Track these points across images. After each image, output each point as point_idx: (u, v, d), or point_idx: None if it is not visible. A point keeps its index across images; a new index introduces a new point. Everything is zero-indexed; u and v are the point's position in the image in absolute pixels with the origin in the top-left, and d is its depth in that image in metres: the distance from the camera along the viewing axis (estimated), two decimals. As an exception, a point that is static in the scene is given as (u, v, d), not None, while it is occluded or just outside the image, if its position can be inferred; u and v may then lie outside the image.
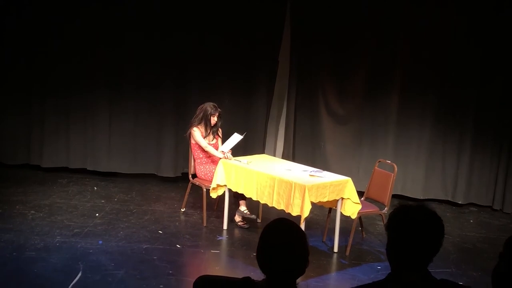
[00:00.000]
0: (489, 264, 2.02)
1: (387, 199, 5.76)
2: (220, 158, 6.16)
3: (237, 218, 6.29)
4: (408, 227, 2.13)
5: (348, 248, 5.69)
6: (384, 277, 2.19)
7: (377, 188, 5.92)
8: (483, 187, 7.63)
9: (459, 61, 7.39)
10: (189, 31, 7.57)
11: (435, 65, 7.43)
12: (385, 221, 5.50)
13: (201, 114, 6.32)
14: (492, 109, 7.44)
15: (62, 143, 7.82)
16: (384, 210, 5.79)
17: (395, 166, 5.85)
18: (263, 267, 2.22)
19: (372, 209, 5.87)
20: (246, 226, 6.24)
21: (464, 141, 7.58)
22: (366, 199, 6.03)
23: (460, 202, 7.65)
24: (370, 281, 2.22)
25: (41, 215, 6.18)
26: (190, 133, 6.36)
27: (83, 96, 7.71)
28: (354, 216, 5.59)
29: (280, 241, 2.20)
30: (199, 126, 6.32)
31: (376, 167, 6.03)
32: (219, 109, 6.36)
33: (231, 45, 7.64)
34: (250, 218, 6.18)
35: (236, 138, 6.32)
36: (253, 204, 6.25)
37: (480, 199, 7.67)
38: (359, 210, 5.59)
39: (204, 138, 6.32)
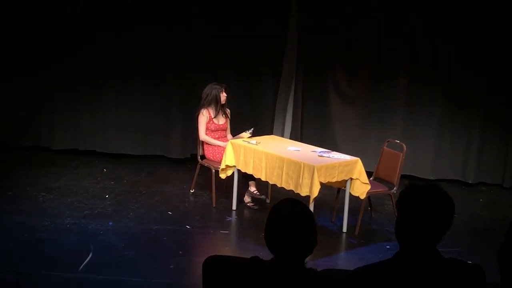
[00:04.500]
0: (499, 243, 2.02)
1: (396, 179, 5.75)
2: (228, 140, 6.17)
3: (247, 199, 6.30)
4: (419, 206, 2.12)
5: (357, 228, 5.70)
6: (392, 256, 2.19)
7: (386, 168, 5.90)
8: (492, 166, 7.60)
9: (469, 41, 7.31)
10: (194, 15, 7.53)
11: (445, 45, 7.36)
12: (394, 201, 5.50)
13: (209, 96, 6.30)
14: (502, 88, 7.37)
15: (72, 125, 7.85)
16: (393, 190, 5.78)
17: (404, 146, 5.83)
18: (271, 247, 2.23)
19: (381, 189, 5.86)
20: (255, 206, 6.25)
21: (473, 120, 7.53)
22: (375, 179, 6.01)
23: (470, 182, 7.63)
24: (379, 261, 2.22)
25: (52, 197, 6.23)
26: (197, 116, 6.36)
27: (92, 78, 7.72)
28: (363, 196, 5.58)
29: (287, 221, 2.20)
30: (208, 109, 6.31)
31: (385, 147, 6.01)
32: (223, 85, 6.35)
33: (238, 26, 7.59)
34: (260, 198, 6.19)
35: (244, 135, 6.28)
36: (262, 185, 6.26)
37: (490, 177, 7.64)
38: (368, 190, 5.59)
39: (213, 118, 6.32)
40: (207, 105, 6.31)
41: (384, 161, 5.97)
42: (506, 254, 1.73)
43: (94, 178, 6.99)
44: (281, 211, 2.25)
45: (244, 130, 6.33)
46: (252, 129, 6.33)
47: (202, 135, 6.35)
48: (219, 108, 6.33)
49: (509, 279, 1.70)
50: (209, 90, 6.33)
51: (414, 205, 2.13)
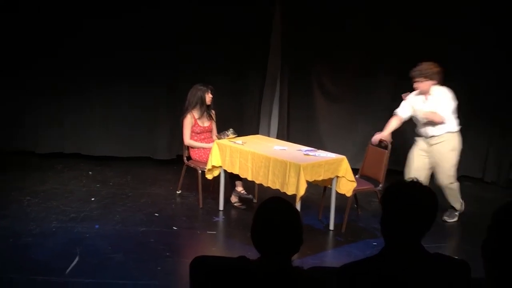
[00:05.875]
0: (483, 238, 2.04)
1: (381, 176, 5.79)
2: (214, 141, 6.17)
3: (234, 199, 6.31)
4: (402, 202, 2.15)
5: (344, 225, 5.73)
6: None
7: (372, 166, 5.94)
8: (473, 160, 7.69)
9: (455, 38, 7.36)
10: (179, 12, 7.51)
11: (431, 42, 7.40)
12: (380, 197, 5.53)
13: (195, 98, 6.28)
14: (484, 83, 7.44)
15: (56, 128, 7.80)
16: (378, 187, 5.81)
17: (389, 144, 5.86)
18: (257, 245, 2.24)
19: (367, 186, 5.90)
20: (242, 206, 6.26)
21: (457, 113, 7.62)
22: (361, 176, 6.04)
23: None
24: (365, 257, 2.24)
25: (37, 201, 6.18)
26: (182, 119, 6.34)
27: (76, 81, 7.67)
28: (349, 194, 5.61)
29: (273, 219, 2.21)
30: (193, 111, 6.30)
31: (370, 145, 6.04)
32: (210, 86, 6.35)
33: (222, 25, 7.59)
34: (247, 198, 6.20)
35: (228, 136, 6.28)
36: (249, 184, 6.26)
37: (472, 171, 7.73)
38: (354, 188, 5.61)
39: (197, 120, 6.31)
40: (192, 107, 6.30)
41: (369, 159, 6.00)
42: (488, 248, 1.75)
43: (79, 181, 6.95)
44: (266, 210, 2.26)
45: (224, 131, 6.27)
46: (231, 129, 6.28)
47: (187, 139, 6.34)
48: (204, 109, 6.32)
49: (492, 273, 1.72)
50: (195, 91, 6.32)
51: (398, 201, 2.15)
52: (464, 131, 7.59)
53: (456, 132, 5.87)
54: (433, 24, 7.34)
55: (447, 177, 5.89)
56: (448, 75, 7.41)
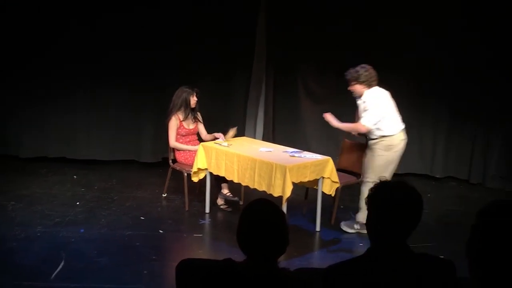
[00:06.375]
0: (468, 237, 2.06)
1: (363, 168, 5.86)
2: (199, 143, 6.16)
3: (220, 201, 6.30)
4: (387, 202, 2.16)
5: (333, 217, 5.86)
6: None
7: (350, 158, 6.05)
8: (459, 161, 7.74)
9: (434, 43, 7.41)
10: (163, 14, 7.48)
11: (412, 47, 7.45)
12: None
13: (179, 100, 6.27)
14: (468, 83, 7.49)
15: (40, 132, 7.71)
16: (361, 179, 5.84)
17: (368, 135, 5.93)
18: (243, 247, 2.24)
19: (349, 179, 5.97)
20: (228, 209, 6.25)
21: (441, 114, 7.67)
22: (338, 169, 5.95)
23: (437, 176, 7.75)
24: (351, 258, 2.24)
25: (21, 205, 6.12)
26: (168, 122, 6.32)
27: (60, 84, 7.58)
28: (333, 193, 5.67)
29: (258, 221, 2.22)
30: (178, 113, 6.28)
31: (345, 139, 6.18)
32: (195, 89, 6.34)
33: (207, 27, 7.57)
34: (233, 200, 6.19)
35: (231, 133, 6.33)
36: (235, 187, 6.26)
37: (458, 172, 7.78)
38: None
39: (182, 123, 6.29)
40: (177, 109, 6.28)
41: (347, 152, 6.11)
42: (472, 248, 1.76)
43: (64, 185, 6.89)
44: (252, 212, 2.26)
45: (227, 130, 6.31)
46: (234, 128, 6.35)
47: (172, 142, 6.33)
48: (189, 111, 6.31)
49: (477, 272, 1.74)
50: (180, 93, 6.31)
51: (383, 202, 2.16)
52: (450, 132, 7.71)
53: (392, 135, 5.52)
54: (421, 24, 7.39)
55: (368, 175, 5.54)
56: (434, 77, 7.53)
